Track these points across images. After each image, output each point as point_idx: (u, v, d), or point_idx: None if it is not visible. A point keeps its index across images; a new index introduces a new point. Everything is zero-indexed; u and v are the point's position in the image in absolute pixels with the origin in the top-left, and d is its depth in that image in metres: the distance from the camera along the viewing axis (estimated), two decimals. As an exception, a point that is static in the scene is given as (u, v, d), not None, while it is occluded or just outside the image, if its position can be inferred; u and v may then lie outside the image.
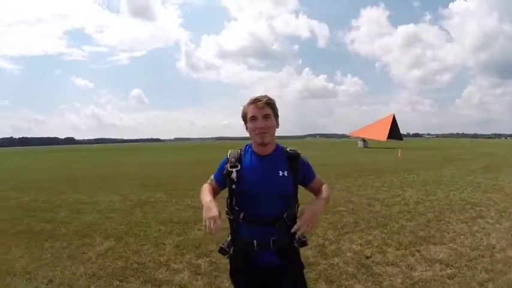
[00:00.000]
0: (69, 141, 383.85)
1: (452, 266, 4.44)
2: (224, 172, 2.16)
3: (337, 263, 4.64)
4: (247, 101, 2.14)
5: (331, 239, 5.62)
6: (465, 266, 4.43)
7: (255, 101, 2.09)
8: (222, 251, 2.20)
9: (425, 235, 5.72)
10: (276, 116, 2.15)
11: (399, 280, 4.10)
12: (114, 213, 7.91)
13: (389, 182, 12.04)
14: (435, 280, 4.07)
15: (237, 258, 2.18)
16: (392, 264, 4.54)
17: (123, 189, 11.68)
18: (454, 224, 6.38)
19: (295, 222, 2.08)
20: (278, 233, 2.06)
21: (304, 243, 2.19)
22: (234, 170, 2.11)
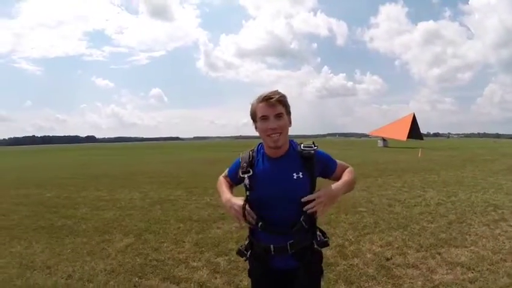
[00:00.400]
0: (90, 139, 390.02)
1: (473, 269, 4.33)
2: (238, 177, 2.09)
3: (356, 263, 4.59)
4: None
5: (351, 240, 5.57)
6: (487, 270, 4.32)
7: (265, 98, 1.93)
8: (240, 253, 2.15)
9: (447, 237, 5.60)
10: (289, 113, 2.00)
11: (419, 283, 4.03)
12: (134, 211, 8.01)
13: (409, 182, 11.85)
14: (456, 284, 3.98)
15: (254, 261, 2.13)
16: (413, 267, 4.46)
17: (143, 186, 11.80)
18: (475, 226, 6.23)
19: (314, 226, 2.03)
20: (296, 237, 1.95)
21: (325, 244, 2.05)
22: (246, 176, 2.01)
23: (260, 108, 1.94)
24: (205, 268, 4.50)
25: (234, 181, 2.21)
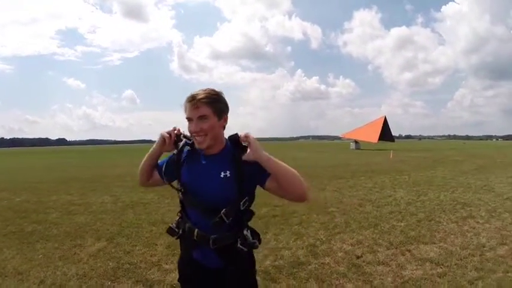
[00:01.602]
0: (61, 142, 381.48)
1: (442, 264, 4.48)
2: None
3: (328, 262, 4.67)
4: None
5: (322, 239, 5.65)
6: (455, 264, 4.48)
7: (190, 99, 1.87)
8: (171, 231, 2.07)
9: (416, 235, 5.76)
10: (220, 112, 1.90)
11: (389, 279, 4.14)
12: (106, 214, 7.89)
13: (380, 183, 12.10)
14: (425, 279, 4.11)
15: (183, 245, 2.11)
16: (383, 264, 4.58)
17: (115, 190, 11.62)
18: (444, 223, 6.44)
19: (240, 224, 1.95)
20: (217, 231, 1.88)
21: (252, 245, 1.97)
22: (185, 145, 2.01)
23: (186, 109, 1.90)
24: (177, 271, 4.49)
25: (159, 168, 2.15)
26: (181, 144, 1.99)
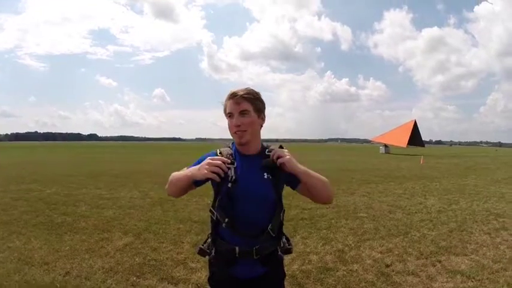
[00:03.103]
0: (93, 137, 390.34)
1: (473, 278, 4.30)
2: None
3: (356, 269, 4.56)
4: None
5: (351, 245, 5.54)
6: (487, 278, 4.29)
7: (231, 95, 1.90)
8: (201, 252, 2.02)
9: (447, 245, 5.57)
10: (259, 110, 1.93)
11: (419, 291, 4.00)
12: (134, 210, 8.00)
13: (411, 189, 11.82)
14: (456, 292, 3.95)
15: (217, 264, 2.01)
16: (413, 274, 4.43)
17: (144, 186, 11.81)
18: (476, 234, 6.19)
19: (280, 233, 1.99)
20: (262, 242, 1.89)
21: (288, 251, 2.04)
22: (232, 166, 1.88)
23: (228, 105, 1.91)
24: (203, 269, 4.45)
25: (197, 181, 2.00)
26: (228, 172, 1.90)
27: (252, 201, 1.88)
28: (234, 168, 1.90)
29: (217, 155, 1.93)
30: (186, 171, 1.99)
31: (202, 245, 2.02)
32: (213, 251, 1.98)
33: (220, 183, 1.86)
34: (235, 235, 1.89)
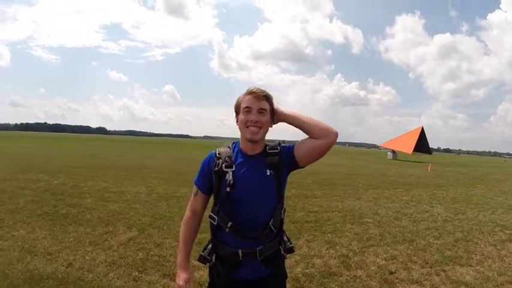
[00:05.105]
0: (101, 130, 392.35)
1: (478, 290, 4.24)
2: (215, 170, 1.92)
3: (360, 275, 4.51)
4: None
5: (355, 250, 5.49)
6: (491, 291, 4.23)
7: (252, 91, 1.90)
8: (202, 259, 2.01)
9: (452, 255, 5.50)
10: (272, 114, 1.95)
11: (423, 300, 3.96)
12: (140, 204, 8.01)
13: (417, 196, 11.72)
14: (460, 304, 3.91)
15: (218, 269, 1.99)
16: (417, 283, 4.37)
17: (150, 181, 11.85)
18: (482, 245, 6.11)
19: (281, 230, 2.02)
20: (265, 242, 1.91)
21: (291, 250, 2.06)
22: (230, 170, 1.89)
23: (245, 100, 1.90)
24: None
25: (207, 189, 2.03)
26: None
27: (254, 201, 1.91)
28: (232, 172, 1.89)
29: (216, 156, 1.96)
30: (179, 250, 2.13)
31: (203, 252, 2.03)
32: (214, 257, 1.98)
33: (219, 187, 1.91)
34: (239, 238, 1.89)
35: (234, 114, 1.99)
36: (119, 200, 8.37)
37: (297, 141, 1.99)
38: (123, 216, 6.81)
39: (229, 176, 1.88)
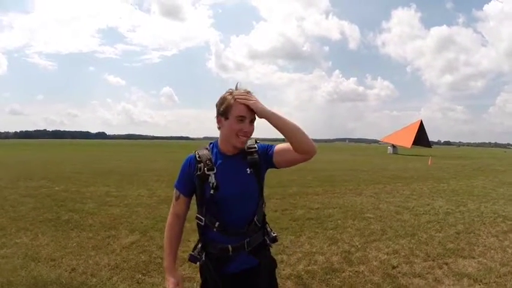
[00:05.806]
0: (101, 135, 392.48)
1: (481, 281, 4.25)
2: (197, 174, 1.94)
3: (362, 271, 4.53)
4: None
5: (357, 246, 5.51)
6: (494, 282, 4.24)
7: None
8: (192, 258, 2.05)
9: (454, 247, 5.50)
10: None
11: (426, 293, 3.96)
12: (141, 208, 8.03)
13: (418, 190, 11.72)
14: (463, 295, 3.91)
15: (209, 265, 2.00)
16: (419, 276, 4.38)
17: (151, 184, 11.88)
18: (484, 237, 6.12)
19: (264, 223, 2.09)
20: (251, 235, 1.98)
21: (274, 240, 2.11)
22: (211, 173, 1.90)
23: (239, 107, 1.86)
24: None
25: (188, 192, 2.07)
26: None
27: (238, 201, 1.95)
28: (214, 174, 1.91)
29: (196, 159, 1.97)
30: (165, 253, 2.18)
31: (193, 252, 2.06)
32: (203, 256, 2.02)
33: (202, 190, 1.95)
34: (226, 235, 1.95)
35: (216, 113, 1.95)
36: (120, 204, 8.39)
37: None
38: (125, 220, 6.83)
39: (212, 179, 1.91)
